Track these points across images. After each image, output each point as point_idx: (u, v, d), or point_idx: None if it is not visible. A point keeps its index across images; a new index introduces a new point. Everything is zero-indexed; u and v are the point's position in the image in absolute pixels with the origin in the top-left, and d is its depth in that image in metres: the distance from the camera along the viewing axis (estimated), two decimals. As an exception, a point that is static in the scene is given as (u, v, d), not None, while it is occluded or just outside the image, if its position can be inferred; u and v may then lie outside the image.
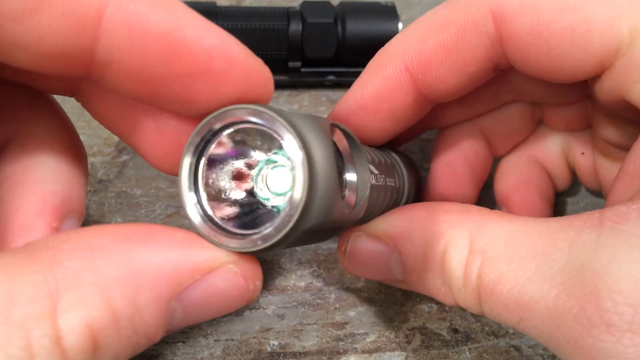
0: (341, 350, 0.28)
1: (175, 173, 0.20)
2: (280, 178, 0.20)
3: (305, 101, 0.39)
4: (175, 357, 0.27)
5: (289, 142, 0.17)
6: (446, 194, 0.30)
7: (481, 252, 0.21)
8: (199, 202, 0.19)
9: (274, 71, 0.39)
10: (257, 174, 0.20)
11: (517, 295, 0.20)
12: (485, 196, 0.33)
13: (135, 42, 0.17)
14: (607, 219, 0.20)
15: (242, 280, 0.19)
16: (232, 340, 0.28)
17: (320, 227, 0.19)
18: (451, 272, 0.22)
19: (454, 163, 0.31)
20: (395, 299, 0.29)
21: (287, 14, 0.37)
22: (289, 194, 0.18)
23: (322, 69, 0.38)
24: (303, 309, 0.29)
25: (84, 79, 0.20)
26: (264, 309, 0.29)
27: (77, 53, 0.17)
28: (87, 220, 0.31)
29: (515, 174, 0.31)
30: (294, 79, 0.39)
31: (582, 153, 0.31)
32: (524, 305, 0.20)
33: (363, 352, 0.28)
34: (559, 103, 0.30)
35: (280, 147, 0.19)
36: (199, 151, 0.19)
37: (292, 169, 0.17)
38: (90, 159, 0.34)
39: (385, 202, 0.26)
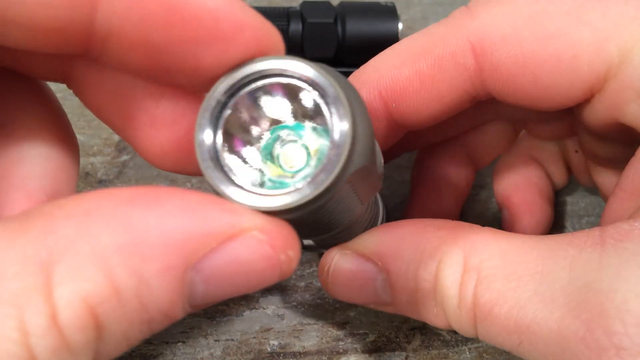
0: (341, 350, 0.28)
1: (172, 170, 0.20)
2: (295, 154, 0.18)
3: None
4: (175, 357, 0.27)
5: (323, 81, 0.16)
6: (428, 212, 0.30)
7: (476, 270, 0.20)
8: (219, 159, 0.17)
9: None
10: (272, 141, 0.18)
11: (516, 316, 0.19)
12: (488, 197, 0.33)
13: (137, 7, 0.16)
14: (609, 236, 0.19)
15: (270, 250, 0.16)
16: (232, 340, 0.28)
17: (363, 175, 0.18)
18: (445, 292, 0.21)
19: (435, 181, 0.30)
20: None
21: (287, 14, 0.37)
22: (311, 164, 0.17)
23: (322, 69, 0.38)
24: (303, 309, 0.29)
25: (80, 58, 0.18)
26: (264, 309, 0.29)
27: (73, 25, 0.16)
28: (87, 220, 0.31)
29: (514, 175, 0.31)
30: (294, 79, 0.39)
31: (576, 151, 0.31)
32: (524, 327, 0.19)
33: (363, 352, 0.28)
34: (542, 120, 0.29)
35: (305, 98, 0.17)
36: (222, 103, 0.17)
37: (331, 104, 0.16)
38: (90, 159, 0.34)
39: (369, 217, 0.25)
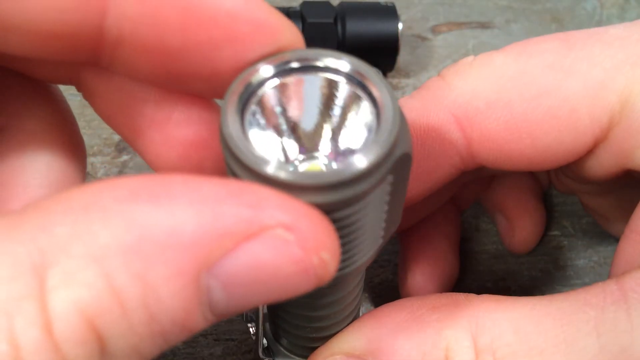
0: (341, 350, 0.28)
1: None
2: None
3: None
4: (175, 357, 0.27)
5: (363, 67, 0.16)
6: (427, 269, 0.28)
7: (490, 352, 0.18)
8: (246, 140, 0.15)
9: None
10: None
11: None
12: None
13: (149, 10, 0.15)
14: (630, 290, 0.18)
15: (299, 251, 0.13)
16: (232, 340, 0.28)
17: (403, 170, 0.16)
18: None
19: (424, 231, 0.28)
20: (394, 298, 0.29)
21: (287, 14, 0.37)
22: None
23: (322, 69, 0.38)
24: (303, 308, 0.29)
25: (90, 65, 0.17)
26: (264, 308, 0.29)
27: (83, 31, 0.15)
28: (87, 220, 0.31)
29: (503, 179, 0.30)
30: (294, 79, 0.39)
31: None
32: None
33: (363, 352, 0.28)
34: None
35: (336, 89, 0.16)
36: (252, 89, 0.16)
37: (370, 88, 0.16)
38: (90, 159, 0.34)
39: (355, 304, 0.22)
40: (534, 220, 0.30)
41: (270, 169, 0.14)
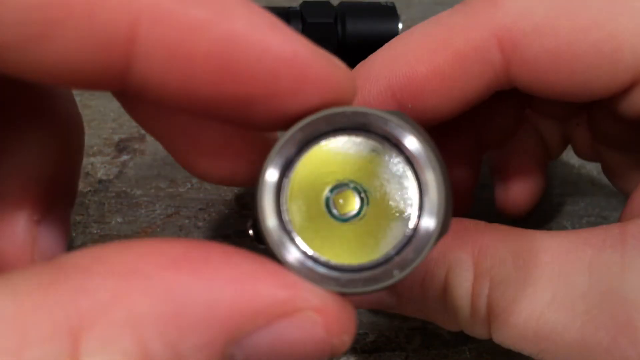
0: (341, 350, 0.28)
1: (219, 182, 0.18)
2: (348, 200, 0.16)
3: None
4: (175, 357, 0.27)
5: (412, 142, 0.15)
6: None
7: (488, 277, 0.19)
8: (285, 228, 0.15)
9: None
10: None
11: (535, 325, 0.18)
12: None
13: (179, 65, 0.14)
14: (630, 235, 0.18)
15: (323, 333, 0.14)
16: (232, 340, 0.28)
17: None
18: (456, 301, 0.20)
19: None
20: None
21: (287, 14, 0.37)
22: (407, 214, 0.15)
23: (322, 69, 0.38)
24: (303, 309, 0.29)
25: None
26: (264, 309, 0.29)
27: (103, 78, 0.14)
28: (87, 221, 0.31)
29: (509, 140, 0.29)
30: (294, 79, 0.39)
31: (577, 124, 0.29)
32: (544, 337, 0.18)
33: (363, 352, 0.28)
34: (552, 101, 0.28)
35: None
36: (286, 164, 0.15)
37: (415, 169, 0.15)
38: (90, 159, 0.34)
39: None
40: (530, 186, 0.30)
41: (300, 269, 0.15)
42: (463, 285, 0.20)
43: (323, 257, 0.15)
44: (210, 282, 0.13)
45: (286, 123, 0.15)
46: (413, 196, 0.15)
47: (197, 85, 0.14)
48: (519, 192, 0.30)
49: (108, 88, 0.15)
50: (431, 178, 0.15)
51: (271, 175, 0.15)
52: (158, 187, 0.33)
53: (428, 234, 0.15)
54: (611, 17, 0.20)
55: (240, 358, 0.14)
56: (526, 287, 0.19)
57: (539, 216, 0.33)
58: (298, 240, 0.15)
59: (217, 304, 0.13)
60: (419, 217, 0.15)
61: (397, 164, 0.15)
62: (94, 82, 0.14)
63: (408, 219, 0.15)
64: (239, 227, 0.32)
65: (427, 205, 0.15)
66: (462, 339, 0.28)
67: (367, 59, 0.23)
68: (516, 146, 0.30)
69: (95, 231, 0.31)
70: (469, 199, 0.29)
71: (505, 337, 0.19)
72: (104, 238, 0.31)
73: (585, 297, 0.18)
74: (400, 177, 0.15)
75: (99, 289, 0.12)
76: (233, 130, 0.18)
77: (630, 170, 0.28)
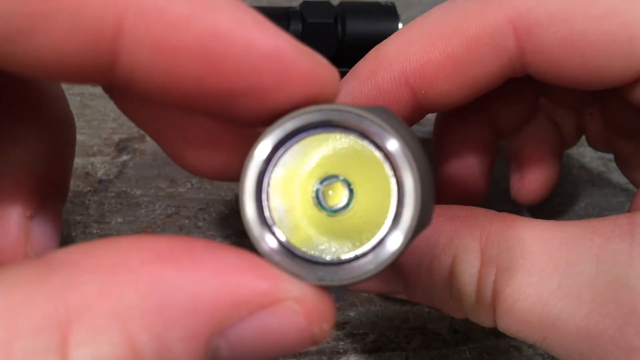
0: (341, 350, 0.28)
1: (211, 176, 0.19)
2: (337, 192, 0.16)
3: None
4: (175, 357, 0.27)
5: (389, 141, 0.15)
6: (455, 187, 0.28)
7: (494, 264, 0.19)
8: (266, 221, 0.16)
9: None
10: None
11: (540, 312, 0.18)
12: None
13: (163, 58, 0.14)
14: (638, 225, 0.18)
15: (304, 322, 0.15)
16: (232, 340, 0.28)
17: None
18: (462, 288, 0.20)
19: (460, 151, 0.28)
20: (395, 299, 0.29)
21: (287, 14, 0.37)
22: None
23: (322, 69, 0.38)
24: (303, 309, 0.29)
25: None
26: (264, 309, 0.29)
27: (91, 71, 0.14)
28: (87, 221, 0.31)
29: (526, 126, 0.29)
30: (294, 79, 0.39)
31: (590, 114, 0.28)
32: (549, 324, 0.18)
33: (363, 352, 0.28)
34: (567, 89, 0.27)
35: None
36: (267, 160, 0.16)
37: (395, 169, 0.15)
38: (90, 159, 0.34)
39: None
40: (545, 174, 0.30)
41: (281, 262, 0.15)
42: (469, 271, 0.20)
43: (301, 250, 0.15)
44: (194, 275, 0.14)
45: (271, 118, 0.15)
46: (392, 192, 0.16)
47: (182, 78, 0.14)
48: (534, 179, 0.30)
49: (96, 81, 0.15)
50: (407, 176, 0.15)
51: (252, 168, 0.15)
52: (158, 187, 0.33)
53: (405, 230, 0.15)
54: (626, 7, 0.20)
55: (224, 348, 0.14)
56: (532, 275, 0.19)
57: (539, 216, 0.34)
58: (277, 232, 0.16)
59: (201, 296, 0.13)
60: (396, 213, 0.15)
61: (376, 161, 0.16)
62: (82, 75, 0.15)
63: (386, 214, 0.16)
64: (239, 227, 0.32)
65: (405, 201, 0.15)
66: (462, 339, 0.28)
67: (380, 44, 0.23)
68: (531, 134, 0.29)
69: (95, 231, 0.31)
70: (484, 186, 0.29)
71: (510, 323, 0.19)
72: (104, 238, 0.31)
73: (591, 286, 0.18)
74: (379, 174, 0.16)
75: (86, 283, 0.13)
76: (222, 124, 0.18)
77: None
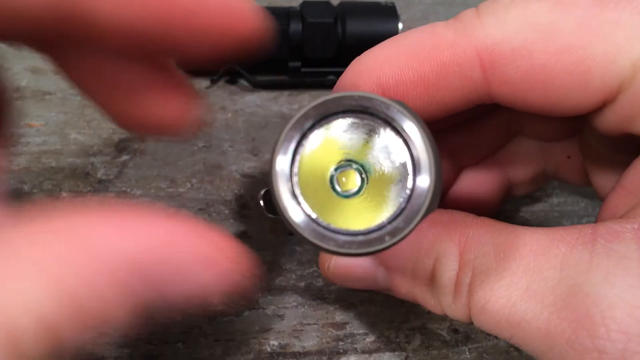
0: (341, 351, 0.28)
1: (149, 130, 0.20)
2: (349, 179, 0.19)
3: (305, 101, 0.39)
4: (175, 357, 0.27)
5: (409, 126, 0.18)
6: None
7: (471, 267, 0.21)
8: (296, 197, 0.18)
9: (274, 71, 0.39)
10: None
11: (508, 313, 0.20)
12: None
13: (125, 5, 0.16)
14: (600, 236, 0.19)
15: (206, 250, 0.16)
16: (232, 340, 0.28)
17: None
18: (441, 289, 0.22)
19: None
20: (395, 299, 0.29)
21: (287, 14, 0.37)
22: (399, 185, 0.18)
23: (322, 69, 0.38)
24: (303, 309, 0.29)
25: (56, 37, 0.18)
26: (263, 309, 0.29)
27: (47, 13, 0.16)
28: (87, 220, 0.31)
29: (466, 180, 0.31)
30: (294, 79, 0.39)
31: (568, 157, 0.30)
32: (515, 324, 0.20)
33: (363, 352, 0.28)
34: (542, 121, 0.29)
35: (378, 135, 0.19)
36: (297, 141, 0.18)
37: (411, 151, 0.18)
38: (90, 159, 0.34)
39: None
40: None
41: (304, 229, 0.17)
42: (448, 274, 0.22)
43: (324, 222, 0.18)
44: (110, 227, 0.15)
45: (207, 59, 0.17)
46: (409, 173, 0.18)
47: (127, 14, 0.16)
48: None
49: (48, 32, 0.16)
50: (424, 158, 0.17)
51: (284, 150, 0.17)
52: (158, 187, 0.33)
53: (417, 208, 0.17)
54: (583, 44, 0.22)
55: (142, 290, 0.15)
56: (503, 278, 0.20)
57: (539, 216, 0.34)
58: (305, 206, 0.18)
59: (124, 248, 0.15)
60: (412, 189, 0.17)
61: (396, 146, 0.18)
62: (37, 25, 0.16)
63: (401, 191, 0.18)
64: (239, 227, 0.32)
65: (419, 182, 0.17)
66: (462, 339, 0.28)
67: (361, 55, 0.25)
68: (476, 177, 0.31)
69: (95, 231, 0.31)
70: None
71: (482, 322, 0.21)
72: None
73: (554, 290, 0.19)
74: (398, 159, 0.18)
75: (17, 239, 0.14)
76: (158, 73, 0.20)
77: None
